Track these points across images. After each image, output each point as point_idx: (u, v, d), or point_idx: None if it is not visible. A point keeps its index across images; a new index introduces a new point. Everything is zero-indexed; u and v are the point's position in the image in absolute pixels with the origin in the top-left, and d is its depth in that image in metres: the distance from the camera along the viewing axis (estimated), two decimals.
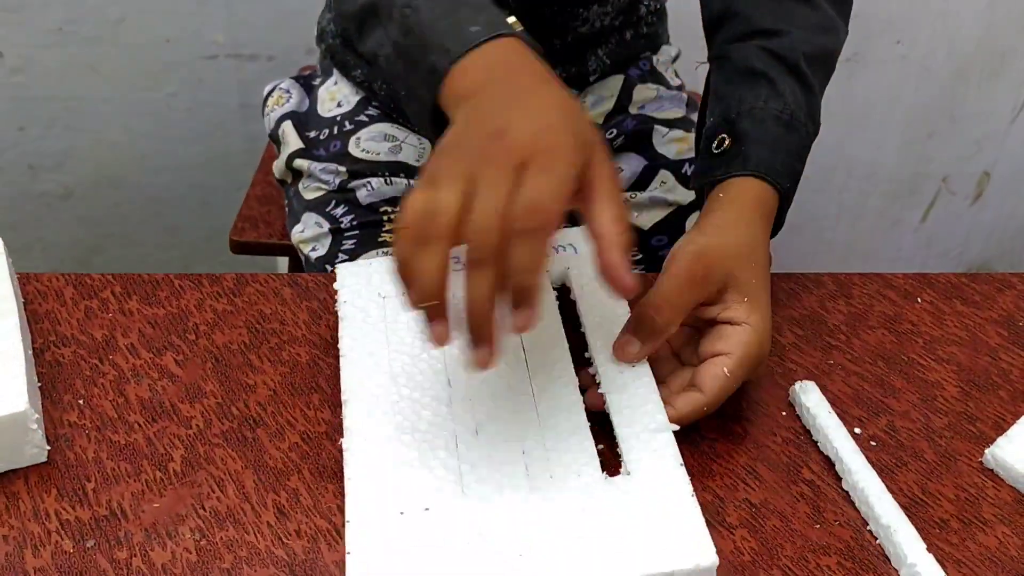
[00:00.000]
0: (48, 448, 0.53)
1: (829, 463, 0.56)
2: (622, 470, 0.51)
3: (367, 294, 0.60)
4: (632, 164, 0.82)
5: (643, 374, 0.55)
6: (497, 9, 0.53)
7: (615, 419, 0.53)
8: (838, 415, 0.58)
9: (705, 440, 0.57)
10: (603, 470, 0.50)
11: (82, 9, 1.25)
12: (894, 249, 1.65)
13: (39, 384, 0.58)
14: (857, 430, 0.58)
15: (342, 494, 0.52)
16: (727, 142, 0.62)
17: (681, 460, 0.51)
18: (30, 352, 0.58)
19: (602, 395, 0.54)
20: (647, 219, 0.80)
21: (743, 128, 0.62)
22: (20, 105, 1.33)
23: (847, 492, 0.54)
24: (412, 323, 0.57)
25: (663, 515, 0.48)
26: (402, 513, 0.48)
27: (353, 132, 0.82)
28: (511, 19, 0.53)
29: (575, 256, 0.63)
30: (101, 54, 1.30)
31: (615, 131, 0.82)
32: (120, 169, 1.40)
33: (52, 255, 1.47)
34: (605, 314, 0.58)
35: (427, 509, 0.48)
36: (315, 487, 0.53)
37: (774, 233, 0.62)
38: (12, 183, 1.39)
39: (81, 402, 0.57)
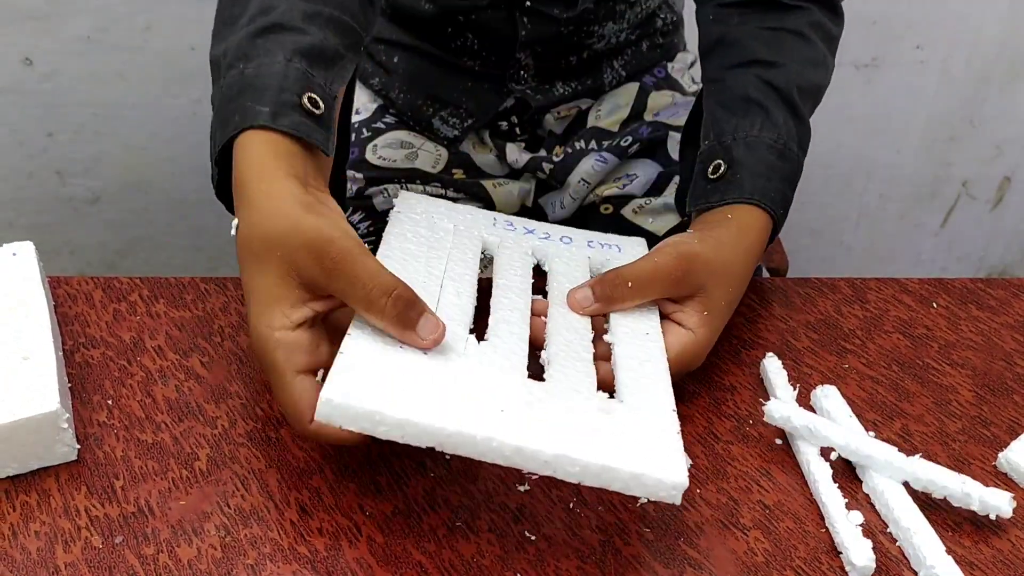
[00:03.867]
0: (78, 447, 0.55)
1: (844, 465, 0.57)
2: (616, 396, 0.53)
3: (421, 212, 0.63)
4: (647, 170, 0.83)
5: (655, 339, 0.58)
6: (280, 92, 0.53)
7: (617, 351, 0.56)
8: None
9: (720, 442, 0.58)
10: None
11: (110, 17, 1.28)
12: (914, 253, 1.65)
13: (69, 385, 0.59)
14: (872, 434, 0.59)
15: (363, 493, 0.53)
16: (722, 168, 0.63)
17: (671, 391, 0.53)
18: (60, 354, 0.60)
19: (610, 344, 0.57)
20: (661, 224, 0.81)
21: (738, 155, 0.63)
22: (49, 112, 1.35)
23: (867, 495, 0.55)
24: (456, 241, 0.61)
25: (647, 429, 0.49)
26: (401, 347, 0.49)
27: (370, 139, 0.83)
28: (305, 97, 0.53)
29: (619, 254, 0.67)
30: (129, 61, 1.32)
31: (630, 138, 0.83)
32: (147, 174, 1.42)
33: (81, 258, 1.49)
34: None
35: (425, 353, 0.50)
36: (337, 486, 0.54)
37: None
38: (41, 188, 1.41)
39: (110, 402, 0.58)
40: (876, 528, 0.53)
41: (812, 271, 1.60)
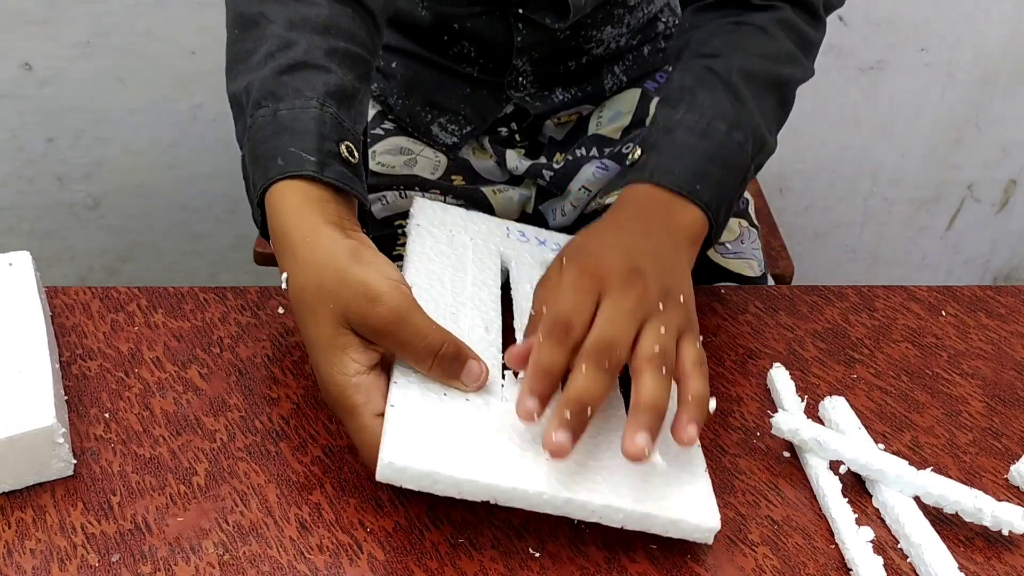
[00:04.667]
0: (74, 462, 0.54)
1: (853, 479, 0.56)
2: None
3: (439, 225, 0.64)
4: None
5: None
6: (322, 140, 0.54)
7: None
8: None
9: (727, 455, 0.57)
10: None
11: (109, 22, 1.27)
12: (919, 257, 1.63)
13: (66, 397, 0.58)
14: (881, 446, 0.58)
15: (364, 509, 0.52)
16: (637, 152, 0.62)
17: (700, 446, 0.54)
18: (57, 366, 0.59)
19: None
20: None
21: (653, 140, 0.61)
22: (49, 116, 1.35)
23: (876, 509, 0.54)
24: (476, 259, 0.63)
25: (680, 475, 0.51)
26: (445, 395, 0.51)
27: (369, 145, 0.82)
28: (343, 146, 0.54)
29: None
30: (128, 66, 1.31)
31: (632, 144, 0.82)
32: (147, 179, 1.42)
33: (81, 264, 1.48)
34: None
35: (467, 400, 0.52)
36: (337, 502, 0.53)
37: (709, 242, 0.61)
38: (41, 193, 1.41)
39: (107, 415, 0.57)
40: (887, 544, 0.52)
41: (817, 275, 1.59)
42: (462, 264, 0.62)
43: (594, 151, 0.82)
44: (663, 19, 0.84)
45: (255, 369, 0.61)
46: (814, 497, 0.55)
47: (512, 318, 0.61)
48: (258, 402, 0.59)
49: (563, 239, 0.68)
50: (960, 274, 1.66)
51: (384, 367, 0.52)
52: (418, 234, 0.63)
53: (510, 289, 0.63)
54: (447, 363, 0.51)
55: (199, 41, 1.29)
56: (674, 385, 0.52)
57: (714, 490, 0.52)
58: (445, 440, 0.49)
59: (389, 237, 0.78)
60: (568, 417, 0.48)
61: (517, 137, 0.83)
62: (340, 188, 0.54)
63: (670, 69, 0.70)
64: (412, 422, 0.50)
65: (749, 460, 0.57)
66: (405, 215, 0.79)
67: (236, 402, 0.59)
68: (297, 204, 0.53)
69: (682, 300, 0.53)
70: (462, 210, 0.67)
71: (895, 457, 0.54)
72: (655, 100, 0.84)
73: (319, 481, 0.54)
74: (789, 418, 0.56)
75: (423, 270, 0.60)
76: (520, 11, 0.75)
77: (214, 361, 0.62)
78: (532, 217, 0.85)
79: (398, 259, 0.78)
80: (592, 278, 0.52)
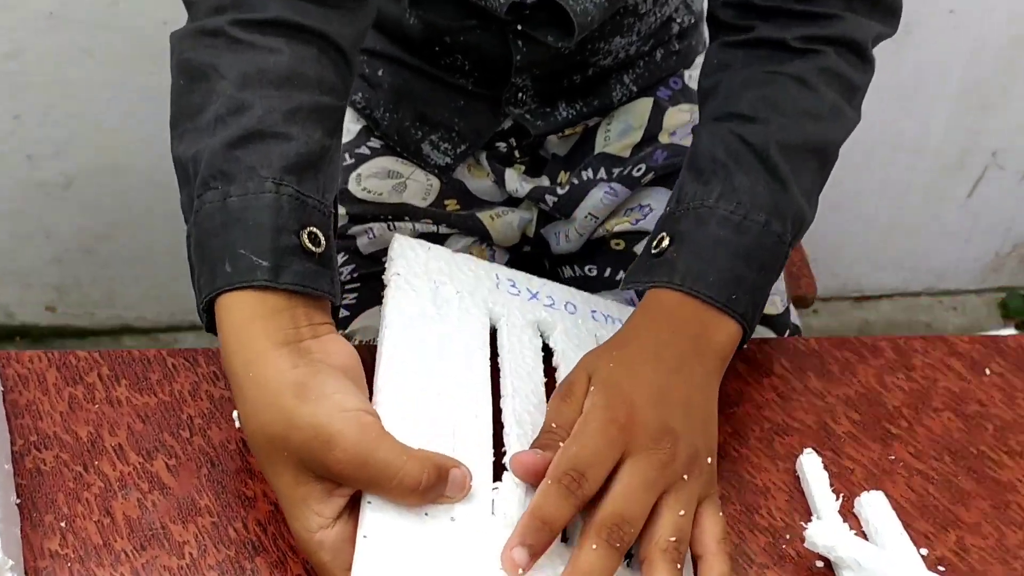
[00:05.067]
0: None
1: None
2: None
3: (422, 275, 0.57)
4: (663, 201, 0.74)
5: None
6: (277, 234, 0.47)
7: None
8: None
9: (754, 566, 0.52)
10: None
11: None
12: (938, 225, 1.56)
13: (18, 501, 0.52)
14: (924, 551, 0.52)
15: None
16: (665, 242, 0.55)
17: None
18: (8, 466, 0.53)
19: None
20: None
21: (684, 229, 0.55)
22: (15, 93, 1.26)
23: None
24: (462, 320, 0.56)
25: None
26: (426, 514, 0.45)
27: (354, 167, 0.74)
28: (305, 235, 0.48)
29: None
30: (96, 38, 1.22)
31: (643, 166, 0.74)
32: (122, 155, 1.33)
33: (57, 244, 1.41)
34: None
35: (453, 519, 0.46)
36: None
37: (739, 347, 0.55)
38: (10, 173, 1.32)
39: (64, 524, 0.52)
40: None
41: (832, 247, 1.52)
42: (447, 329, 0.55)
43: (602, 173, 0.74)
44: (677, 19, 0.75)
45: (228, 458, 0.55)
46: None
47: (499, 392, 0.55)
48: (232, 503, 0.53)
49: (556, 290, 0.62)
50: (979, 242, 1.59)
51: (353, 512, 0.46)
52: (397, 288, 0.56)
53: (495, 351, 0.57)
54: (429, 493, 0.45)
55: (170, 11, 1.18)
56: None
57: None
58: (425, 569, 0.44)
59: (377, 276, 0.70)
60: None
61: (517, 153, 0.76)
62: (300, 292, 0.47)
63: (697, 121, 0.62)
64: (385, 559, 0.44)
65: (778, 572, 0.51)
66: None
67: (208, 503, 0.53)
68: (243, 321, 0.46)
69: (709, 462, 0.48)
70: (447, 252, 0.60)
71: None
72: (669, 110, 0.76)
73: None
74: (825, 531, 0.50)
75: (404, 339, 0.53)
76: (519, 27, 0.66)
77: (183, 448, 0.56)
78: (533, 241, 0.78)
79: None
80: (621, 430, 0.47)
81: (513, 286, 0.61)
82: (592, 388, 0.49)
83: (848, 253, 1.57)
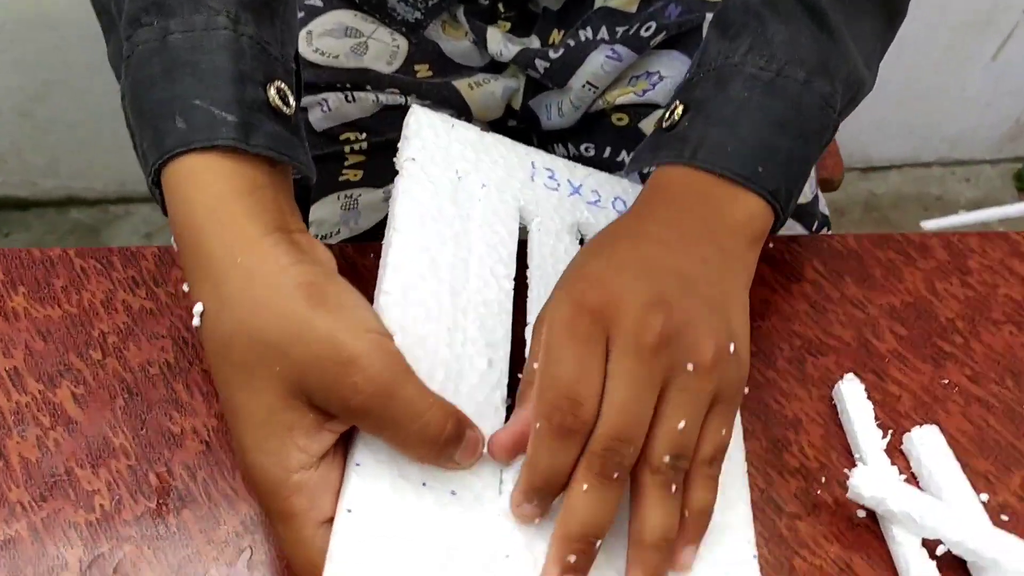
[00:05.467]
0: None
1: (951, 560, 0.42)
2: None
3: (442, 162, 0.46)
4: (675, 68, 0.62)
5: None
6: (241, 84, 0.37)
7: None
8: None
9: (783, 515, 0.43)
10: None
11: None
12: (957, 89, 1.44)
13: None
14: (984, 496, 0.44)
15: None
16: (678, 112, 0.44)
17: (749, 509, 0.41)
18: None
19: None
20: None
21: (702, 94, 0.44)
22: None
23: None
24: (486, 224, 0.45)
25: (722, 560, 0.39)
26: (424, 484, 0.37)
27: (304, 22, 0.61)
28: (272, 89, 0.38)
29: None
30: None
31: (653, 24, 0.61)
32: (55, 8, 1.18)
33: None
34: None
35: (453, 493, 0.37)
36: None
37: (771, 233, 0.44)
38: None
39: None
40: None
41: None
42: (467, 237, 0.44)
43: (603, 32, 0.61)
44: None
45: (149, 386, 0.45)
46: None
47: (524, 320, 0.44)
48: (153, 442, 0.44)
49: (604, 182, 0.51)
50: (999, 107, 1.48)
51: (338, 452, 0.37)
52: (412, 178, 0.45)
53: (525, 267, 0.47)
54: (446, 448, 0.36)
55: None
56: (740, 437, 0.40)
57: (768, 572, 0.39)
58: (421, 549, 0.35)
59: (333, 157, 0.59)
60: (573, 561, 0.33)
61: (501, 7, 0.63)
62: (275, 160, 0.38)
63: None
64: (372, 540, 0.35)
65: (812, 524, 0.43)
66: (353, 126, 0.60)
67: (123, 443, 0.44)
68: (216, 196, 0.36)
69: (732, 350, 0.37)
70: (475, 132, 0.48)
71: (1014, 539, 0.40)
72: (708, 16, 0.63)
73: (241, 563, 0.40)
74: (872, 479, 0.41)
75: (414, 252, 0.42)
76: None
77: (93, 373, 0.46)
78: (520, 115, 0.66)
79: (345, 186, 0.60)
80: (594, 319, 0.36)
81: (551, 177, 0.50)
82: (556, 292, 0.38)
83: (855, 120, 1.44)
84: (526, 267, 0.46)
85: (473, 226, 0.45)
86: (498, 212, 0.46)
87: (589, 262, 0.39)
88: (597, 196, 0.50)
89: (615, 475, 0.34)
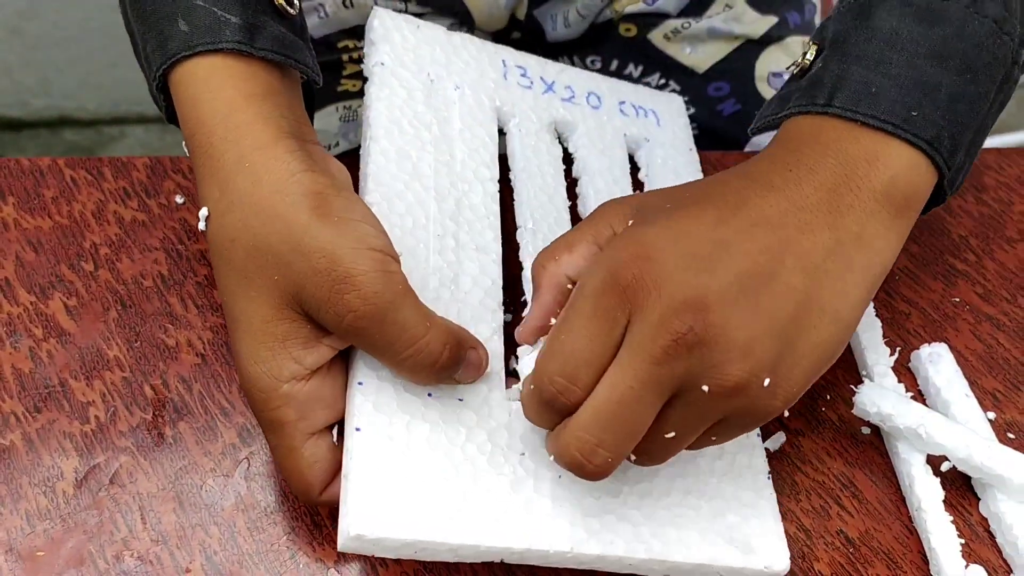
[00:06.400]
0: None
1: (955, 475, 0.41)
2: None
3: (412, 64, 0.45)
4: None
5: None
6: None
7: None
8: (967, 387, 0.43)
9: (787, 433, 0.43)
10: None
11: None
12: None
13: None
14: (991, 414, 0.43)
15: (296, 529, 0.38)
16: (811, 53, 0.38)
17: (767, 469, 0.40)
18: None
19: None
20: (703, 58, 0.60)
21: (839, 29, 0.37)
22: None
23: (985, 518, 0.41)
24: (464, 125, 0.45)
25: (739, 504, 0.38)
26: (430, 395, 0.37)
27: None
28: None
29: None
30: None
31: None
32: None
33: None
34: None
35: (461, 400, 0.37)
36: (263, 519, 0.39)
37: (936, 202, 0.37)
38: None
39: None
40: (999, 572, 0.39)
41: None
42: (447, 141, 0.44)
43: None
44: None
45: (143, 298, 0.45)
46: (902, 500, 0.41)
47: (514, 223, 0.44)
48: (148, 354, 0.43)
49: (576, 77, 0.50)
50: None
51: (332, 367, 0.36)
52: (382, 83, 0.44)
53: (507, 168, 0.46)
54: (443, 372, 0.35)
55: None
56: None
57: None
58: (432, 486, 0.35)
59: (330, 67, 0.57)
60: None
61: None
62: (280, 64, 0.37)
63: None
64: (384, 461, 0.34)
65: (815, 440, 0.42)
66: (352, 33, 0.58)
67: (117, 354, 0.43)
68: (227, 102, 0.36)
69: (766, 385, 0.31)
70: (441, 32, 0.47)
71: (1020, 456, 0.40)
72: None
73: (235, 488, 0.40)
74: (878, 395, 0.41)
75: (394, 160, 0.41)
76: None
77: (85, 284, 0.45)
78: (524, 25, 0.64)
79: (344, 97, 0.58)
80: (621, 299, 0.31)
81: (524, 75, 0.49)
82: (599, 250, 0.35)
83: None
84: (508, 169, 0.45)
85: (452, 130, 0.44)
86: (475, 114, 0.45)
87: (649, 224, 0.33)
88: (571, 92, 0.49)
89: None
